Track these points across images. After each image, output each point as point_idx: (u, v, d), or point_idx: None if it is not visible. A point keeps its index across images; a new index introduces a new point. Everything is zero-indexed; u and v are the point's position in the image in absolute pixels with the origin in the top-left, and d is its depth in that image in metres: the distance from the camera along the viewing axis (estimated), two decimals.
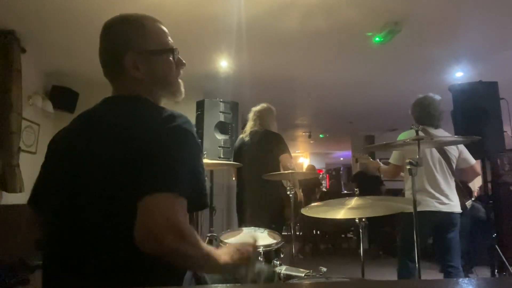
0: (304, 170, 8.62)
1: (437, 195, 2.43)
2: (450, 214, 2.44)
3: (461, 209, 2.52)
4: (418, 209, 2.38)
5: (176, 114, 0.93)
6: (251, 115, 3.21)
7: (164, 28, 1.09)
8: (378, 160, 3.08)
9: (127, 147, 0.89)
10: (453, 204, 2.46)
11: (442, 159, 2.51)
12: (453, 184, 2.53)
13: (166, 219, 0.80)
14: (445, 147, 2.54)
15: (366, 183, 6.45)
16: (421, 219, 2.38)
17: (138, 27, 1.05)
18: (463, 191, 2.64)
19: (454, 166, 2.56)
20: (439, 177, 2.48)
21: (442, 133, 2.60)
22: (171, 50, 1.06)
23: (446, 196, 2.45)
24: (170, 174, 0.85)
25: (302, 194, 3.23)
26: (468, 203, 2.64)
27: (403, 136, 2.52)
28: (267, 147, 3.02)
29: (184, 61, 1.11)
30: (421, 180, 2.47)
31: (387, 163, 2.82)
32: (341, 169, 13.11)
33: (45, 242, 0.99)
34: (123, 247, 0.86)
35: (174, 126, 0.90)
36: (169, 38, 1.08)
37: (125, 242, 0.84)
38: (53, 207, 0.97)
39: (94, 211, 0.90)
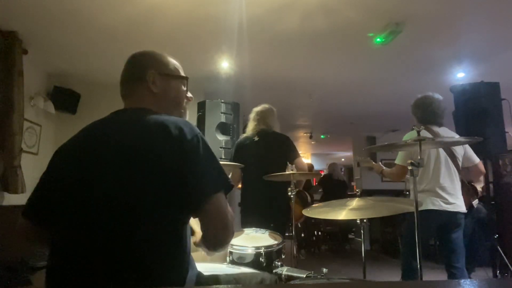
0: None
1: (443, 194, 2.42)
2: (455, 214, 2.43)
3: (468, 208, 2.51)
4: (423, 208, 2.38)
5: (188, 122, 1.06)
6: (253, 115, 3.19)
7: (179, 64, 1.29)
8: (380, 163, 3.06)
9: (157, 157, 0.96)
10: (458, 204, 2.45)
11: (448, 158, 2.50)
12: (458, 183, 2.51)
13: (229, 213, 1.02)
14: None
15: (332, 187, 6.54)
16: (426, 218, 2.37)
17: (160, 56, 1.23)
18: (470, 190, 2.62)
19: (460, 165, 2.55)
20: (446, 176, 2.47)
21: (446, 131, 2.59)
22: (185, 78, 1.26)
23: (452, 195, 2.44)
24: (219, 176, 1.03)
25: (308, 195, 3.23)
26: (475, 203, 2.63)
27: (408, 136, 2.51)
28: (280, 149, 3.00)
29: (191, 96, 1.29)
30: (427, 179, 2.46)
31: (389, 165, 2.80)
32: (342, 169, 13.09)
33: (57, 249, 1.00)
34: (140, 250, 0.92)
35: (198, 134, 1.03)
36: (183, 72, 1.27)
37: (143, 246, 0.92)
38: (66, 218, 0.98)
39: (117, 219, 0.93)
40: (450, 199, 2.42)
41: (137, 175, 0.95)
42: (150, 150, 0.97)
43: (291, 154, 2.99)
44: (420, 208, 2.38)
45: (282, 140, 3.07)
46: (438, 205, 2.40)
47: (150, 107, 1.13)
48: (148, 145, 0.98)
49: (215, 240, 1.03)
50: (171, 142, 0.98)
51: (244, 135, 3.20)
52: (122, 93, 1.21)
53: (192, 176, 0.97)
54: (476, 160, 2.61)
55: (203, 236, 1.06)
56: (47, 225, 1.04)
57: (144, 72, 1.17)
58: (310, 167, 7.14)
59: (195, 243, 1.21)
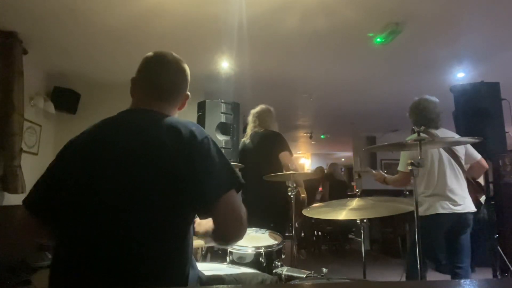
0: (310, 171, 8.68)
1: (452, 196, 2.41)
2: (465, 215, 2.42)
3: (476, 205, 2.51)
4: (433, 212, 2.39)
5: (197, 124, 1.10)
6: (250, 118, 3.24)
7: None
8: (381, 170, 3.05)
9: (169, 158, 0.98)
10: (467, 204, 2.45)
11: (451, 159, 2.50)
12: (464, 183, 2.51)
13: (242, 208, 1.05)
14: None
15: (333, 187, 6.54)
16: (436, 222, 2.38)
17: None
18: (476, 186, 2.62)
19: (463, 164, 2.55)
20: (452, 178, 2.46)
21: (445, 132, 2.59)
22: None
23: (459, 196, 2.43)
24: (229, 174, 1.06)
25: (305, 193, 3.22)
26: (482, 199, 2.63)
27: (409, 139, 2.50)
28: (267, 146, 3.02)
29: None
30: (434, 183, 2.45)
31: (388, 165, 2.80)
32: (342, 169, 13.09)
33: (62, 247, 1.00)
34: (144, 250, 0.93)
35: (207, 136, 1.07)
36: None
37: (148, 246, 0.93)
38: (73, 215, 0.98)
39: (125, 219, 0.94)
40: (459, 201, 2.42)
41: (148, 176, 0.96)
42: (162, 151, 0.98)
43: (277, 148, 2.99)
44: (429, 213, 2.39)
45: (269, 137, 3.09)
46: (447, 208, 2.39)
47: (159, 110, 1.14)
48: (160, 146, 0.99)
49: (230, 236, 1.06)
50: (182, 143, 1.00)
51: (242, 140, 3.31)
52: (153, 94, 1.18)
53: (204, 176, 1.00)
54: (478, 156, 2.61)
55: (216, 232, 1.07)
56: (51, 220, 1.05)
57: (184, 90, 1.26)
58: (322, 170, 7.17)
59: (197, 233, 1.23)
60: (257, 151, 3.04)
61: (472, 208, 2.46)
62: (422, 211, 2.27)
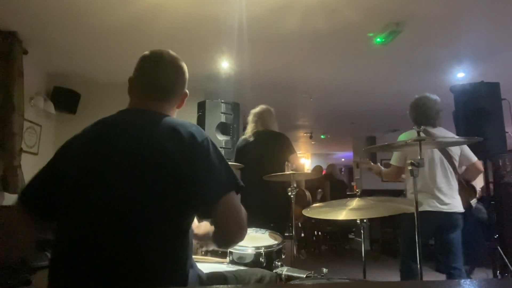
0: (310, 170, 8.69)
1: (438, 194, 2.42)
2: (451, 214, 2.43)
3: (466, 207, 2.51)
4: (419, 209, 2.38)
5: (196, 125, 1.11)
6: (250, 118, 3.22)
7: None
8: (379, 164, 3.07)
9: (169, 159, 0.98)
10: (454, 204, 2.45)
11: (444, 158, 2.50)
12: (455, 183, 2.51)
13: (242, 210, 1.07)
14: None
15: (332, 187, 6.58)
16: (422, 219, 2.38)
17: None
18: (467, 189, 2.62)
19: (456, 164, 2.54)
20: (441, 177, 2.47)
21: (442, 132, 2.59)
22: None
23: (447, 196, 2.44)
24: (229, 176, 1.07)
25: (309, 194, 3.22)
26: (473, 202, 2.63)
27: (404, 136, 2.51)
28: (274, 147, 3.01)
29: None
30: (422, 180, 2.45)
31: (388, 165, 2.81)
32: (342, 170, 13.10)
33: (61, 246, 1.00)
34: (145, 251, 0.93)
35: (207, 137, 1.07)
36: None
37: (149, 246, 0.93)
38: (72, 215, 0.98)
39: (125, 219, 0.94)
40: (446, 200, 2.42)
41: (148, 177, 0.96)
42: (162, 152, 0.98)
43: (285, 150, 2.99)
44: None
45: (276, 138, 3.08)
46: (434, 206, 2.41)
47: (158, 110, 1.14)
48: (160, 147, 0.99)
49: (230, 238, 1.06)
50: (183, 145, 1.00)
51: (242, 137, 3.24)
52: (151, 94, 1.17)
53: (205, 177, 1.00)
54: (474, 158, 2.61)
55: (217, 234, 1.08)
56: (45, 216, 1.05)
57: (182, 88, 1.23)
58: (318, 169, 7.19)
59: (196, 236, 1.23)
60: (262, 150, 3.00)
61: (460, 209, 2.46)
62: (410, 208, 2.27)
